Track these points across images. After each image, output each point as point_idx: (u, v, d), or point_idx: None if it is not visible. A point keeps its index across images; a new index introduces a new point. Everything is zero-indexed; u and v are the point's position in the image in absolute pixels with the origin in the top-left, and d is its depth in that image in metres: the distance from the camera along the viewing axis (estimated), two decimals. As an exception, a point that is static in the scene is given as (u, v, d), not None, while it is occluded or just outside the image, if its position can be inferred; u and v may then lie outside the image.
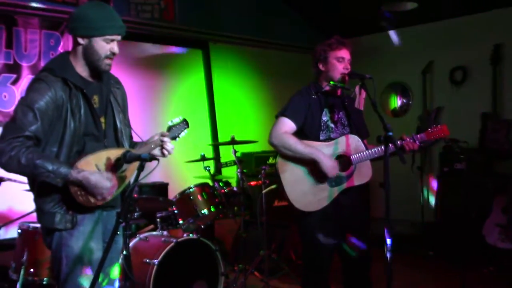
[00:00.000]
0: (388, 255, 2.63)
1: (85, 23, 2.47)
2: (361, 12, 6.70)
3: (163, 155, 2.61)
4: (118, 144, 2.66)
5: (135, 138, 2.87)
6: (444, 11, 6.36)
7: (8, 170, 2.37)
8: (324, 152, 3.15)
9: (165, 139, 2.58)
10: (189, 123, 2.75)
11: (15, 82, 4.90)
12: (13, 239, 4.20)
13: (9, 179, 3.94)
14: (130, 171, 2.59)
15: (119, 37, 2.54)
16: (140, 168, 2.38)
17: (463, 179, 5.81)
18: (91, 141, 2.54)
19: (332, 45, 3.21)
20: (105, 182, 2.41)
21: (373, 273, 3.27)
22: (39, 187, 2.47)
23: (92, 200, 2.44)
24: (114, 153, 2.52)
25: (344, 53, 3.21)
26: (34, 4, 4.90)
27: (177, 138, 2.69)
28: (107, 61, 2.53)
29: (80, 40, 2.50)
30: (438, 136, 3.24)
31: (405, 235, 6.31)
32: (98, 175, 2.40)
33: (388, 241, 2.62)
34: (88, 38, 2.48)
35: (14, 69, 4.90)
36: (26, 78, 4.90)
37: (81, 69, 2.55)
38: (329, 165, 3.10)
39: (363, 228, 3.29)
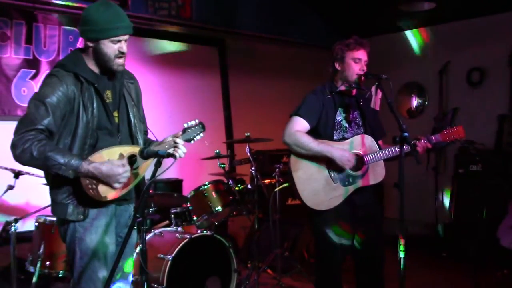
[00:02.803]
0: (402, 255, 2.63)
1: (90, 26, 2.51)
2: (378, 12, 6.68)
3: (174, 156, 2.58)
4: (132, 138, 2.69)
5: (149, 135, 2.90)
6: (462, 11, 6.31)
7: (21, 162, 2.42)
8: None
9: (178, 140, 2.58)
10: (205, 120, 2.74)
11: (34, 77, 4.97)
12: (30, 232, 4.26)
13: (27, 173, 3.99)
14: (143, 169, 2.62)
15: (126, 37, 2.56)
16: (158, 164, 2.40)
17: (478, 181, 5.76)
18: (105, 135, 2.58)
19: (350, 45, 3.20)
20: (116, 168, 2.44)
21: (386, 273, 3.27)
22: (53, 179, 2.52)
23: (103, 194, 2.47)
24: (127, 150, 2.56)
25: (361, 54, 3.20)
26: (53, 1, 4.97)
27: (192, 141, 2.66)
28: (118, 61, 2.56)
29: (89, 43, 2.55)
30: (454, 137, 3.22)
31: (419, 236, 6.29)
32: (108, 164, 2.44)
33: (402, 241, 2.62)
34: (95, 41, 2.52)
35: (33, 64, 4.97)
36: (45, 74, 4.93)
37: (93, 67, 2.59)
38: (345, 157, 3.10)
39: (377, 228, 3.29)
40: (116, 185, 2.47)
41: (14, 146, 2.39)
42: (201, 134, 2.69)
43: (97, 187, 2.45)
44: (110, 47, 2.52)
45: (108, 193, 2.49)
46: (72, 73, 2.50)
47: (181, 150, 2.57)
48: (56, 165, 2.37)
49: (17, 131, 2.41)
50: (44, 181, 2.63)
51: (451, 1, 6.05)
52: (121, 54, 2.55)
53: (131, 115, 2.69)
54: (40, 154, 2.35)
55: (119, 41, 2.53)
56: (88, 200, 2.49)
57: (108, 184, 2.46)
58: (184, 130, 2.65)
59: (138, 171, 2.60)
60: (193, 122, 2.67)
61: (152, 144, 2.72)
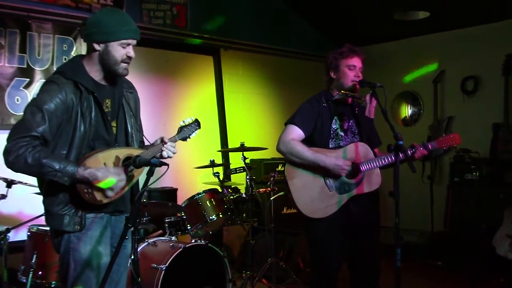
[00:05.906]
0: (397, 264, 2.61)
1: (100, 28, 2.50)
2: (372, 21, 6.70)
3: (162, 156, 2.61)
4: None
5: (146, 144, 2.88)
6: (456, 20, 6.35)
7: (15, 169, 2.37)
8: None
9: (167, 140, 2.61)
10: (200, 128, 2.77)
11: (27, 86, 4.94)
12: (22, 242, 4.22)
13: (20, 182, 3.96)
14: (138, 171, 2.60)
15: (134, 41, 2.57)
16: (150, 173, 2.39)
17: (473, 190, 5.76)
18: (102, 145, 2.55)
19: (343, 53, 3.21)
20: (111, 176, 2.42)
21: (381, 282, 3.25)
22: (47, 189, 2.48)
23: (99, 198, 2.44)
24: (123, 152, 2.53)
25: (356, 61, 3.21)
26: (48, 9, 4.96)
27: (188, 139, 2.69)
28: (124, 65, 2.56)
29: (96, 46, 2.52)
30: (450, 144, 3.23)
31: (414, 244, 6.26)
32: (104, 171, 2.41)
33: (397, 250, 2.60)
34: (104, 43, 2.51)
35: (27, 73, 4.94)
36: (39, 82, 4.93)
37: (95, 74, 2.56)
38: (338, 166, 3.09)
39: (372, 237, 3.27)
40: (109, 192, 2.44)
41: (7, 153, 2.33)
42: (196, 131, 2.74)
43: (92, 191, 2.42)
44: (118, 51, 2.52)
45: (104, 196, 2.46)
46: (72, 81, 2.47)
47: (171, 150, 2.59)
48: (51, 172, 2.33)
49: (10, 138, 2.36)
50: (37, 190, 2.60)
51: (445, 10, 6.08)
52: (128, 59, 2.55)
53: (128, 125, 2.67)
54: (35, 161, 2.31)
55: (128, 45, 2.54)
56: (85, 205, 2.45)
57: (102, 191, 2.43)
58: (180, 129, 2.70)
59: (133, 173, 2.58)
60: (188, 120, 2.74)
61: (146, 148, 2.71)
